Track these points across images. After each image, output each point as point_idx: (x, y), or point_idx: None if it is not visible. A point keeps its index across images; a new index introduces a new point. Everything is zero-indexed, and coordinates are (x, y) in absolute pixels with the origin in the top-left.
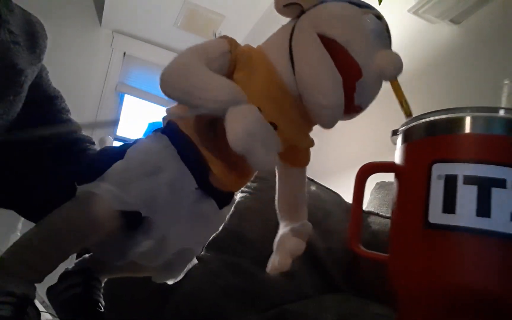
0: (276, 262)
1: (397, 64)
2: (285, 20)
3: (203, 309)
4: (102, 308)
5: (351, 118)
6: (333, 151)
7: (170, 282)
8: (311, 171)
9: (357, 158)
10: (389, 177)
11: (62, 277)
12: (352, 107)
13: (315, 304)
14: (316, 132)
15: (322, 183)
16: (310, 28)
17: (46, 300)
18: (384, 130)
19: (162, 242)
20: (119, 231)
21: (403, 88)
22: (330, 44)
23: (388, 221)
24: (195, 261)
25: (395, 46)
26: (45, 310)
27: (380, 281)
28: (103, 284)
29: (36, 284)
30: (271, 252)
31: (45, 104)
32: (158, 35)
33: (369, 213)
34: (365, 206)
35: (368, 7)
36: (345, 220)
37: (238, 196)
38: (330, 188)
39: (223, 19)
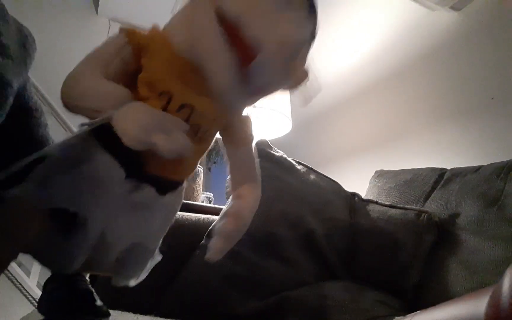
0: (210, 246)
1: (297, 39)
2: None
3: (204, 296)
4: (93, 294)
5: (262, 96)
6: (332, 140)
7: (132, 283)
8: (311, 160)
9: (356, 147)
10: (388, 165)
11: (44, 286)
12: (255, 88)
13: (315, 291)
14: (316, 122)
15: (321, 172)
16: (208, 3)
17: None
18: (383, 119)
19: (103, 238)
20: (54, 234)
21: (402, 77)
22: (225, 20)
23: (387, 209)
24: (158, 257)
25: (394, 35)
26: None
27: (379, 268)
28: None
29: None
30: (271, 240)
31: (23, 116)
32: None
33: (368, 201)
34: (364, 194)
35: None
36: (344, 208)
37: None
38: (329, 176)
39: None
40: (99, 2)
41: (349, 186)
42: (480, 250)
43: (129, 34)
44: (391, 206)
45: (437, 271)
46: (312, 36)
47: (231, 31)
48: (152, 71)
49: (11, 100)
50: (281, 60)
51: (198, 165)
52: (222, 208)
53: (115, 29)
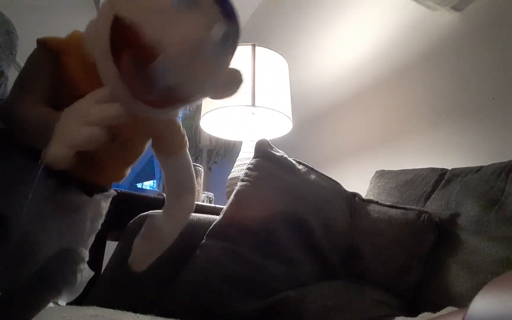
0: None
1: (196, 36)
2: (288, 17)
3: (204, 296)
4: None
5: (175, 104)
6: (333, 140)
7: (62, 301)
8: (311, 160)
9: (357, 147)
10: (389, 165)
11: None
12: (160, 92)
13: (315, 290)
14: (316, 122)
15: (322, 172)
16: (108, 8)
17: None
18: (384, 119)
19: (27, 240)
20: None
21: (403, 77)
22: (123, 25)
23: (388, 209)
24: (90, 273)
25: (395, 34)
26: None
27: (380, 268)
28: None
29: None
30: (271, 240)
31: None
32: None
33: (369, 201)
34: (364, 195)
35: None
36: (345, 208)
37: (239, 184)
38: (330, 176)
39: None
40: (100, 2)
41: (349, 186)
42: (480, 250)
43: (47, 43)
44: (391, 206)
45: (437, 271)
46: (225, 39)
47: (132, 34)
48: (67, 75)
49: (6, 90)
50: (182, 59)
51: (199, 165)
52: (222, 208)
53: None
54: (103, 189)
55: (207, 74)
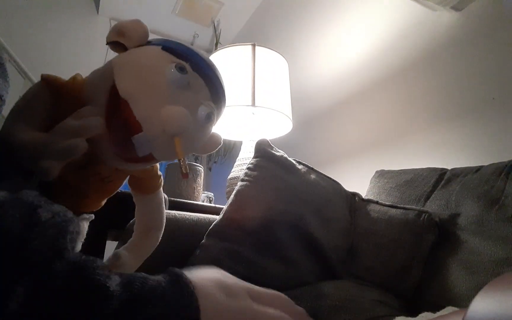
0: None
1: (179, 122)
2: (288, 17)
3: None
4: None
5: (151, 162)
6: (333, 140)
7: None
8: (311, 160)
9: (357, 147)
10: (389, 165)
11: None
12: (137, 158)
13: (315, 291)
14: (316, 121)
15: (322, 171)
16: (109, 76)
17: None
18: (384, 119)
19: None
20: None
21: (403, 77)
22: (115, 96)
23: (388, 209)
24: None
25: (395, 34)
26: None
27: (380, 268)
28: None
29: None
30: (271, 240)
31: None
32: (156, 23)
33: (369, 201)
34: (364, 194)
35: (183, 53)
36: (345, 208)
37: (239, 184)
38: (330, 176)
39: (221, 7)
40: (100, 2)
41: (349, 185)
42: (480, 250)
43: (49, 82)
44: (391, 206)
45: (437, 271)
46: (208, 118)
47: (124, 106)
48: (62, 115)
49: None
50: (162, 139)
51: (199, 165)
52: (222, 208)
53: None
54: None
55: (186, 148)
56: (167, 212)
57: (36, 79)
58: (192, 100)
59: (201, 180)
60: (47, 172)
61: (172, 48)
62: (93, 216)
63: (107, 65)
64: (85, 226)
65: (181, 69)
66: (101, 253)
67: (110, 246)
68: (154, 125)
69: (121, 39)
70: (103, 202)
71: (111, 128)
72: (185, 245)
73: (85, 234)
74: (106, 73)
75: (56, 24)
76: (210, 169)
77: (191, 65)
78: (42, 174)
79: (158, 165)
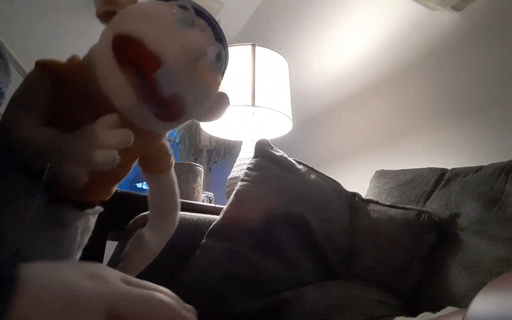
0: None
1: (198, 43)
2: (288, 17)
3: (204, 296)
4: None
5: (177, 117)
6: (333, 140)
7: None
8: (311, 160)
9: (356, 147)
10: (389, 165)
11: None
12: (162, 100)
13: (315, 291)
14: (316, 121)
15: (322, 171)
16: (108, 31)
17: None
18: (384, 119)
19: (17, 255)
20: None
21: (403, 77)
22: (123, 41)
23: (388, 209)
24: None
25: (395, 34)
26: None
27: (380, 268)
28: None
29: None
30: (271, 240)
31: None
32: None
33: (369, 201)
34: (364, 194)
35: (179, 1)
36: (345, 208)
37: (239, 184)
38: (330, 176)
39: (221, 6)
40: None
41: (349, 186)
42: (480, 250)
43: (45, 67)
44: (391, 206)
45: (437, 271)
46: (218, 57)
47: (136, 47)
48: (63, 99)
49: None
50: (185, 67)
51: (199, 165)
52: (222, 208)
53: None
54: (92, 205)
55: (205, 85)
56: None
57: None
58: (201, 36)
59: (201, 180)
60: (76, 180)
61: None
62: (101, 208)
63: (104, 31)
64: (91, 220)
65: (183, 7)
66: (101, 253)
67: (110, 246)
68: (173, 54)
69: (113, 7)
70: (113, 190)
71: (129, 76)
72: (185, 245)
73: (91, 229)
74: (105, 33)
75: (56, 24)
76: (210, 169)
77: (181, 6)
78: (69, 180)
79: (168, 143)
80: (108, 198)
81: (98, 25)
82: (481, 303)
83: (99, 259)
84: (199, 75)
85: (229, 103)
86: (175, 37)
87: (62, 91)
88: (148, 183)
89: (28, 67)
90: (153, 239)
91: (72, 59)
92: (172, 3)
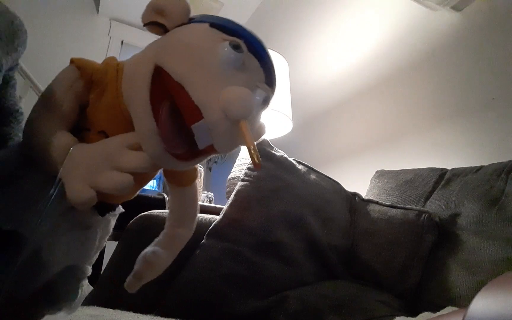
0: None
1: (243, 103)
2: (288, 17)
3: (204, 296)
4: None
5: (201, 157)
6: (333, 140)
7: (60, 317)
8: (311, 160)
9: (356, 147)
10: (389, 165)
11: None
12: (197, 151)
13: (315, 290)
14: (316, 122)
15: (322, 172)
16: (151, 57)
17: None
18: (384, 119)
19: (38, 257)
20: None
21: (403, 77)
22: (166, 80)
23: (388, 209)
24: (89, 288)
25: (395, 35)
26: None
27: (380, 268)
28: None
29: None
30: (271, 240)
31: (8, 116)
32: None
33: (369, 201)
34: (364, 194)
35: (235, 31)
36: (345, 208)
37: (239, 184)
38: (330, 176)
39: (221, 7)
40: (100, 2)
41: (349, 186)
42: (480, 250)
43: (82, 67)
44: (391, 206)
45: (437, 271)
46: (265, 102)
47: (176, 91)
48: (95, 109)
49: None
50: (225, 122)
51: (199, 165)
52: (222, 208)
53: (115, 28)
54: (113, 208)
55: (244, 137)
56: (166, 212)
57: (36, 78)
58: (248, 83)
59: (201, 180)
60: (82, 201)
61: (221, 24)
62: (121, 209)
63: (148, 50)
64: (112, 222)
65: (235, 47)
66: (101, 254)
67: (110, 246)
68: (215, 109)
69: (159, 19)
70: (137, 192)
71: (160, 120)
72: (185, 245)
73: (111, 230)
74: (148, 55)
75: (56, 24)
76: (210, 169)
77: (245, 44)
78: (76, 201)
79: None
80: (131, 198)
81: (98, 25)
82: (481, 303)
83: (99, 258)
84: (240, 132)
85: (264, 133)
86: (219, 87)
87: (92, 94)
88: (171, 193)
89: (29, 67)
90: (161, 256)
91: (108, 63)
92: (225, 36)
